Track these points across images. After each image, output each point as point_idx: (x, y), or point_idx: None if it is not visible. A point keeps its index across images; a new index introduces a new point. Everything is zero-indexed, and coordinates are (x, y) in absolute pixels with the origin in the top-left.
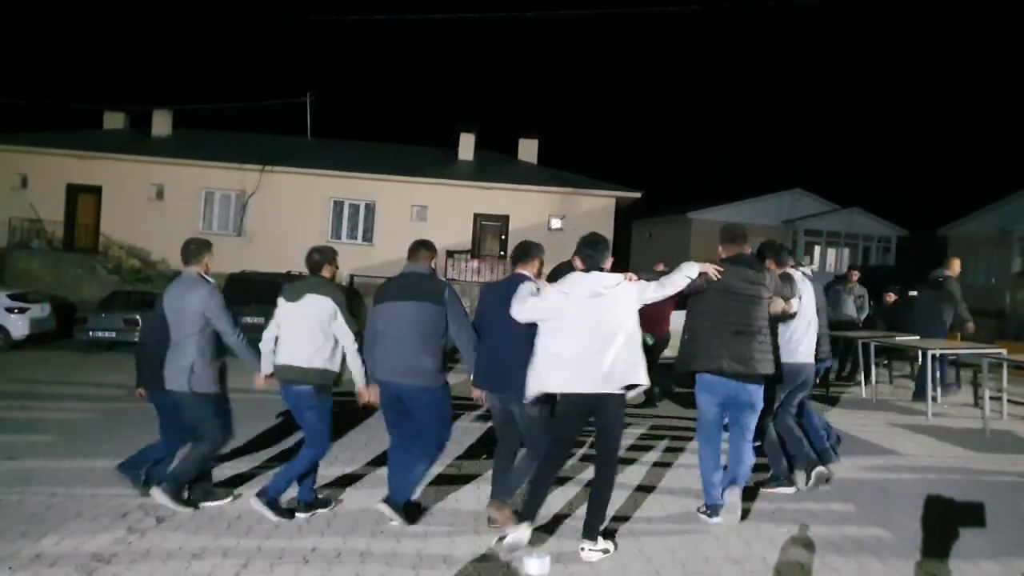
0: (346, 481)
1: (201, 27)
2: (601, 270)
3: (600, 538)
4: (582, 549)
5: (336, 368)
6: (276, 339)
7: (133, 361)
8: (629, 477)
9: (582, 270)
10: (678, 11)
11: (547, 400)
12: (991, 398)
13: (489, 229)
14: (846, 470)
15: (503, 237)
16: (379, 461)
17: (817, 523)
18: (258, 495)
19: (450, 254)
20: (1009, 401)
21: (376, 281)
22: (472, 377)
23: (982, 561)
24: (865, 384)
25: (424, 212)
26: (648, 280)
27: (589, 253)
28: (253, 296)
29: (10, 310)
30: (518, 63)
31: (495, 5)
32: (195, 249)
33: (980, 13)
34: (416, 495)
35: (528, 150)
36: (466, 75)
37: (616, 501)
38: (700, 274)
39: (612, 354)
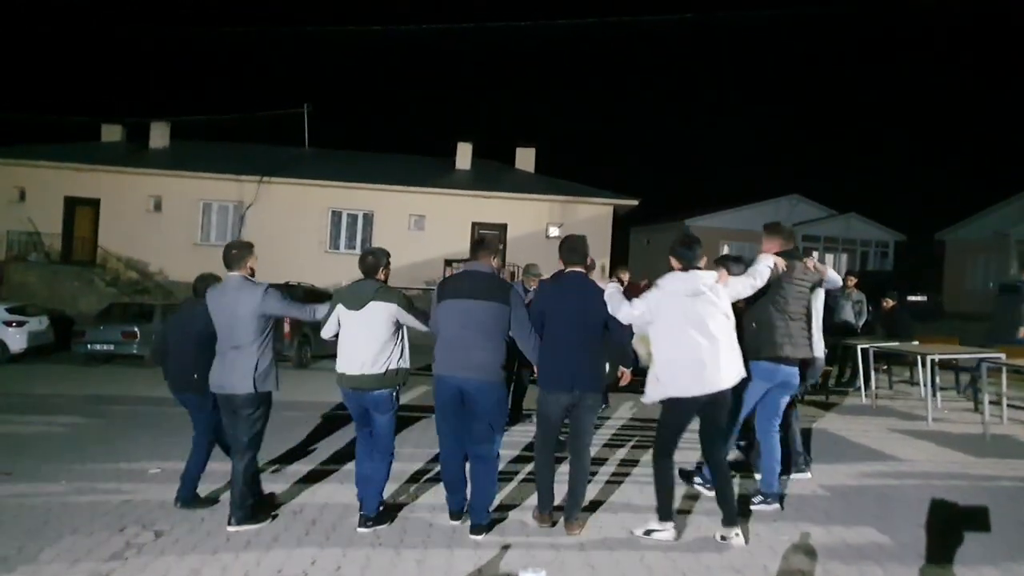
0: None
1: (198, 39)
2: (697, 269)
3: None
4: (736, 535)
5: (407, 364)
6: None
7: (135, 372)
8: (622, 486)
9: (679, 269)
10: (675, 19)
11: (670, 403)
12: (991, 403)
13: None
14: (847, 476)
15: (501, 246)
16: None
17: (818, 530)
18: (362, 525)
19: (448, 263)
20: (1009, 406)
21: None
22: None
23: (983, 567)
24: (865, 389)
25: (422, 221)
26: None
27: (684, 252)
28: None
29: (8, 323)
30: (515, 72)
31: (490, 15)
32: (237, 254)
33: (976, 17)
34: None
35: (525, 159)
36: (463, 85)
37: (611, 509)
38: (774, 265)
39: (724, 353)
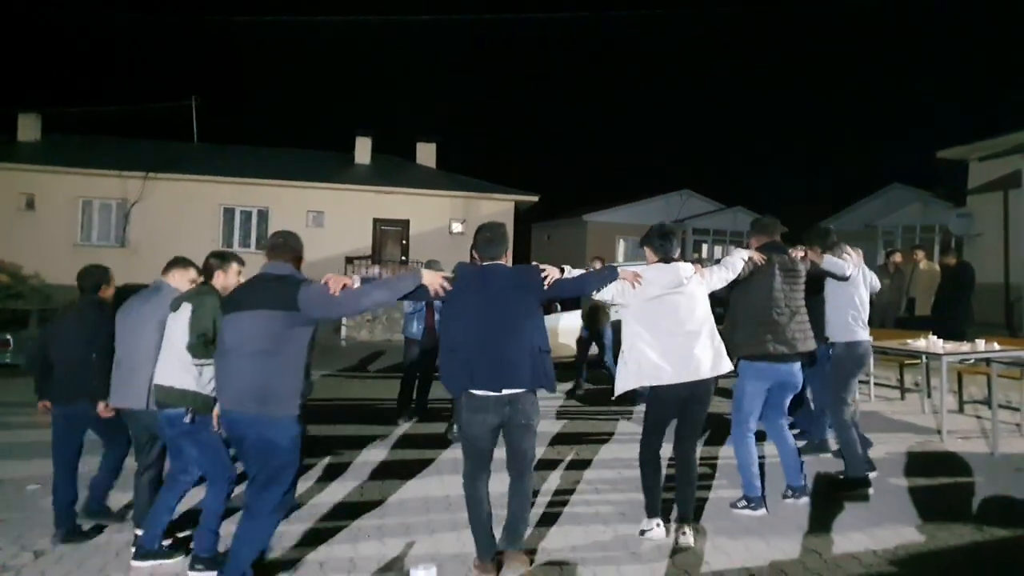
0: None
1: (74, 24)
2: (673, 260)
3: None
4: (683, 533)
5: (204, 391)
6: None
7: (6, 383)
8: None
9: (656, 261)
10: (570, 17)
11: (650, 395)
12: (860, 382)
13: (390, 234)
14: (727, 455)
15: (404, 242)
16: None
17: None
18: (193, 567)
19: (349, 260)
20: (876, 384)
21: None
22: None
23: (852, 534)
24: None
25: (321, 218)
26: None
27: (662, 244)
28: None
29: None
30: (414, 66)
31: (387, 8)
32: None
33: (853, 13)
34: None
35: (427, 154)
36: (361, 78)
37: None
38: (748, 259)
39: (703, 343)
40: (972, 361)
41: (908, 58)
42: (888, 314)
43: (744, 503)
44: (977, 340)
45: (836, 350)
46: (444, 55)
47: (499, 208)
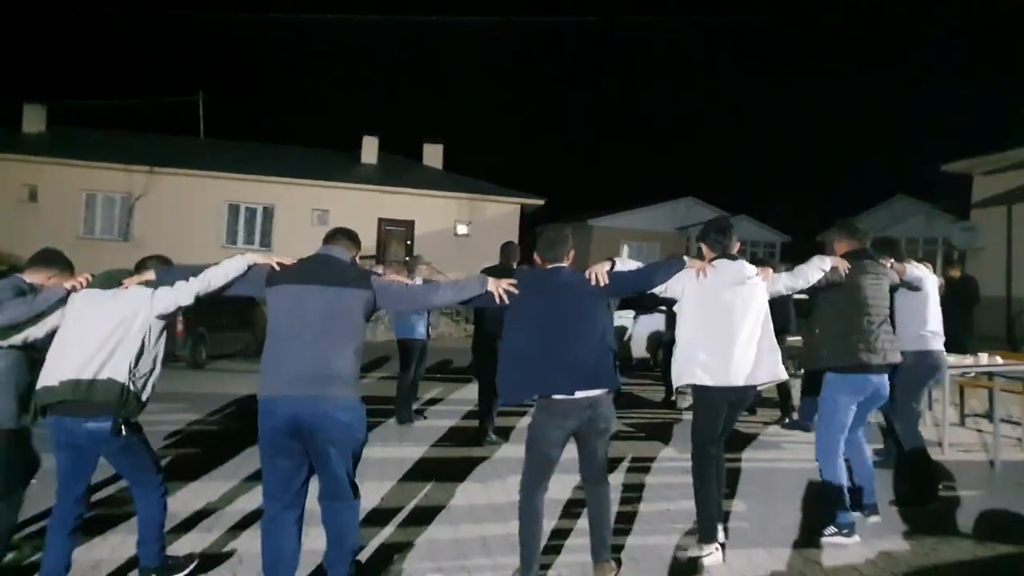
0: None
1: (81, 20)
2: (733, 258)
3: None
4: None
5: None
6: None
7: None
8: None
9: (714, 258)
10: (579, 21)
11: (698, 398)
12: None
13: (394, 234)
14: (732, 464)
15: (408, 242)
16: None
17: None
18: None
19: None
20: None
21: None
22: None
23: (852, 545)
24: None
25: (326, 216)
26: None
27: (719, 239)
28: None
29: None
30: (422, 67)
31: (397, 8)
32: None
33: (860, 22)
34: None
35: (433, 155)
36: (368, 77)
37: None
38: (832, 268)
39: (756, 346)
40: (974, 374)
41: (914, 69)
42: None
43: (835, 530)
44: (979, 353)
45: (906, 360)
46: (453, 57)
47: (505, 211)
